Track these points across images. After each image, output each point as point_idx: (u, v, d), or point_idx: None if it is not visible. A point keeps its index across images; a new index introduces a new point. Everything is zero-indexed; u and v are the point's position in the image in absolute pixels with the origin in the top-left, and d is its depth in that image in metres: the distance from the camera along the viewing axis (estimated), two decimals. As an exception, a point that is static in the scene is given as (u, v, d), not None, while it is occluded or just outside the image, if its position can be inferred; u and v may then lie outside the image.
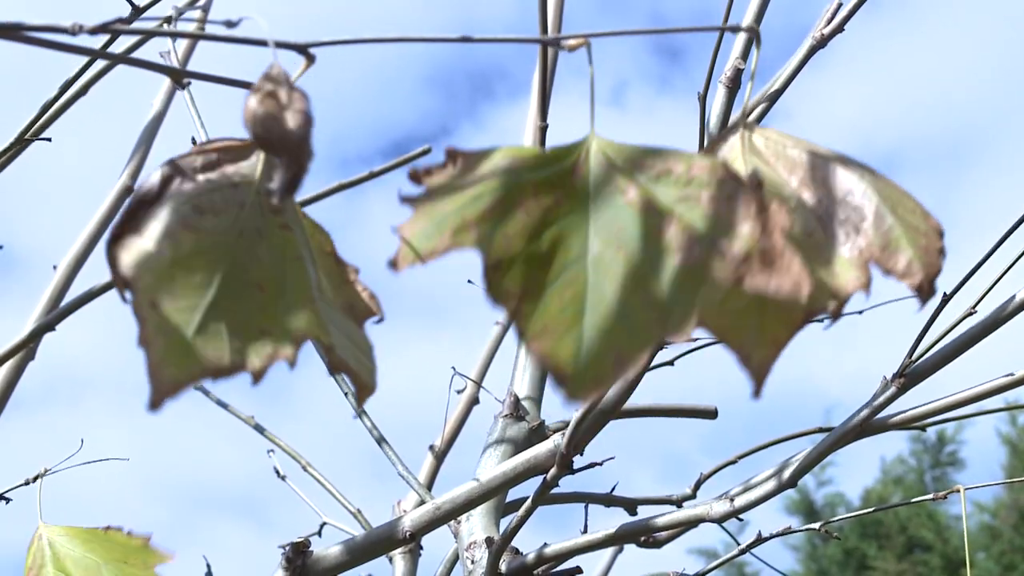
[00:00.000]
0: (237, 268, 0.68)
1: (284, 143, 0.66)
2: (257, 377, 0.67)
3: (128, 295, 0.65)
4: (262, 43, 0.70)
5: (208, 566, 1.74)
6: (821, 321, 0.72)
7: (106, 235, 0.67)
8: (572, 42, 0.72)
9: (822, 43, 1.12)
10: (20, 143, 1.23)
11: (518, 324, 0.66)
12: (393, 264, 0.66)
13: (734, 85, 1.15)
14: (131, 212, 0.67)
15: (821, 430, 1.52)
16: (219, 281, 0.67)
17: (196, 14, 1.43)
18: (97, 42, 1.13)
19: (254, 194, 0.70)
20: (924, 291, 0.70)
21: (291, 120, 0.66)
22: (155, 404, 0.63)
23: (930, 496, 1.28)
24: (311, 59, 0.70)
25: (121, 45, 1.44)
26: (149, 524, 1.15)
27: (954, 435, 10.88)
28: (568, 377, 0.65)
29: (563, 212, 0.68)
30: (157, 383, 0.63)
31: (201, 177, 0.69)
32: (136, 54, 1.40)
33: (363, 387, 0.71)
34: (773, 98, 1.14)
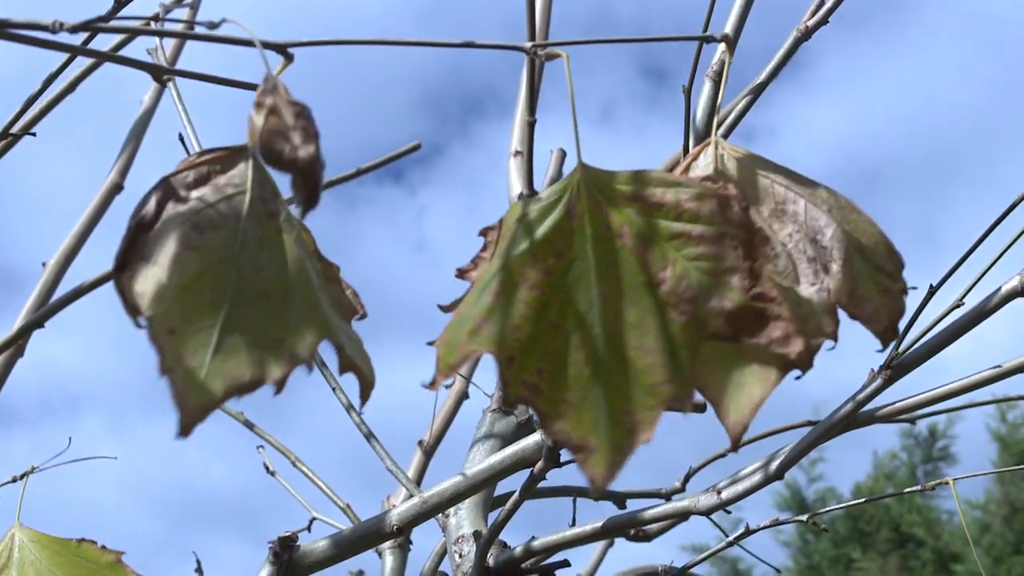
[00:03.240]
0: (243, 281, 0.68)
1: (296, 164, 0.66)
2: (279, 387, 0.67)
3: (142, 322, 0.65)
4: (246, 43, 0.70)
5: (198, 562, 1.74)
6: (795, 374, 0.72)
7: (112, 265, 0.67)
8: (550, 51, 0.72)
9: (807, 35, 1.12)
10: (5, 137, 1.23)
11: (540, 409, 0.67)
12: (431, 386, 0.68)
13: (720, 78, 1.15)
14: (132, 239, 0.68)
15: (809, 423, 1.53)
16: (229, 297, 0.67)
17: (185, 13, 1.43)
18: (81, 39, 1.13)
19: (249, 203, 0.70)
20: (887, 336, 0.71)
21: (298, 139, 0.66)
22: (184, 431, 0.64)
23: (918, 487, 1.28)
24: (290, 58, 0.71)
25: (108, 42, 1.44)
26: (141, 539, 1.16)
27: (945, 430, 10.89)
28: (591, 448, 0.66)
29: (566, 266, 0.68)
30: (184, 410, 0.64)
31: (195, 193, 0.70)
32: (124, 52, 1.41)
33: (366, 385, 0.72)
34: (758, 90, 1.14)
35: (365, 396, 0.72)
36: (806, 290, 0.70)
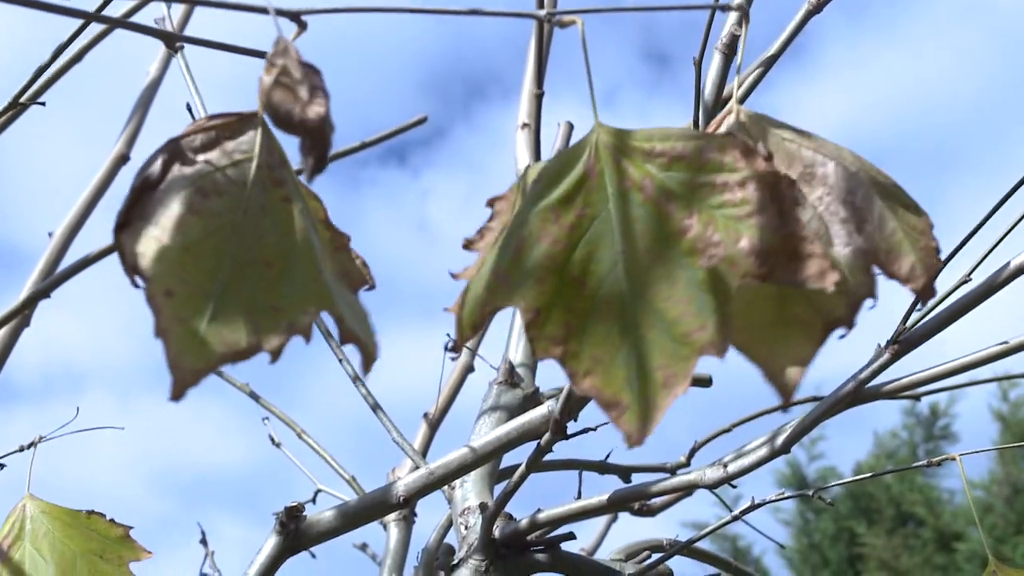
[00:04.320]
0: (245, 247, 0.68)
1: (305, 125, 0.66)
2: (275, 356, 0.67)
3: (140, 282, 0.65)
4: (258, 10, 0.70)
5: (203, 533, 1.75)
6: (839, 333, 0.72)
7: (113, 221, 0.67)
8: (565, 19, 0.72)
9: (817, 8, 1.12)
10: (14, 107, 1.23)
11: (568, 367, 0.67)
12: (454, 349, 0.68)
13: (730, 51, 1.15)
14: (135, 198, 0.68)
15: (814, 399, 1.53)
16: (229, 263, 0.67)
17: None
18: (92, 6, 1.13)
19: (256, 169, 0.70)
20: (926, 293, 0.71)
21: (308, 100, 0.66)
22: (177, 394, 0.64)
23: (924, 463, 1.28)
24: (303, 26, 0.70)
25: (118, 10, 1.43)
26: (145, 515, 1.15)
27: (947, 408, 10.90)
28: (624, 406, 0.65)
29: (587, 223, 0.68)
30: (178, 373, 0.64)
31: (201, 157, 0.70)
32: (132, 20, 1.40)
33: (369, 356, 0.72)
34: (769, 63, 1.14)
35: (367, 367, 0.72)
36: (840, 251, 0.70)
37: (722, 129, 0.77)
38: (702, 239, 0.66)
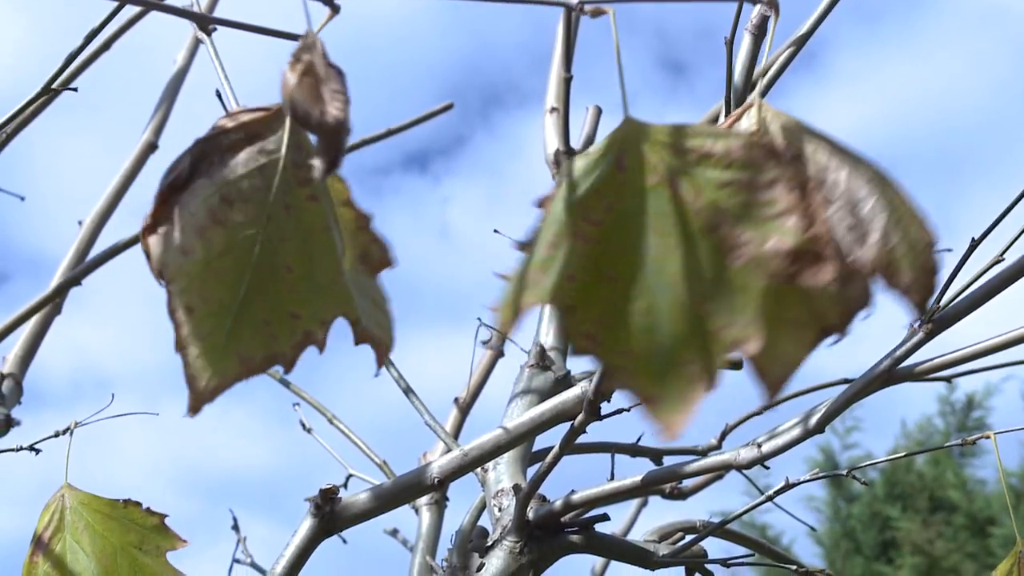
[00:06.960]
0: (267, 252, 0.69)
1: (323, 126, 0.66)
2: (289, 366, 0.68)
3: (163, 286, 0.66)
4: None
5: (235, 519, 1.75)
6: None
7: (140, 225, 0.68)
8: (595, 7, 0.72)
9: (849, -15, 1.11)
10: (47, 93, 1.23)
11: (603, 359, 0.67)
12: (485, 343, 0.69)
13: (760, 32, 1.15)
14: (162, 200, 0.68)
15: (846, 381, 1.52)
16: (251, 273, 0.68)
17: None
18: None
19: (282, 170, 0.70)
20: (921, 307, 0.72)
21: (330, 102, 0.66)
22: (194, 410, 0.66)
23: (959, 442, 1.27)
24: (336, 10, 0.70)
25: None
26: (177, 515, 1.15)
27: (982, 400, 10.85)
28: (658, 399, 0.66)
29: (617, 218, 0.68)
30: (195, 390, 0.66)
31: (229, 160, 0.70)
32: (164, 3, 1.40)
33: (383, 352, 0.72)
34: (801, 42, 1.13)
35: (381, 361, 0.73)
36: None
37: (742, 123, 0.77)
38: (731, 237, 0.67)
